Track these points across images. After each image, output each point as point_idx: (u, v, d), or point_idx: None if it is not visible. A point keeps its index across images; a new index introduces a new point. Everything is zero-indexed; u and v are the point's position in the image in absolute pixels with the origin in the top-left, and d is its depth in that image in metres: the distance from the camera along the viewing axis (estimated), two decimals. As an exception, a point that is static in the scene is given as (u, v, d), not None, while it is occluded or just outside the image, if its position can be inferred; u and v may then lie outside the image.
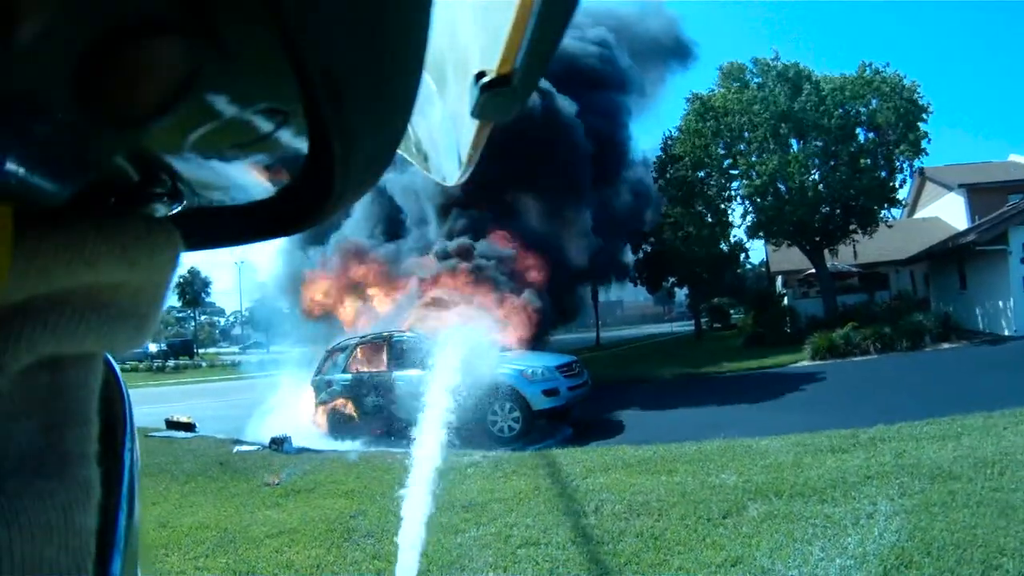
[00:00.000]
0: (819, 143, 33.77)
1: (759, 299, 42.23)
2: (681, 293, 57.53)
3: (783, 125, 33.67)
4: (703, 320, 51.55)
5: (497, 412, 16.94)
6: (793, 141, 34.55)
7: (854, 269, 42.23)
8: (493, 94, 0.42)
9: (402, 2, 0.35)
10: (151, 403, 29.29)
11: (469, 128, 0.60)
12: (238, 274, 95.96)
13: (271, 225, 0.56)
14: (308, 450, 16.18)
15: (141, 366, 64.56)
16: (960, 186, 43.43)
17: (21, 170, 0.37)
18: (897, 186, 35.43)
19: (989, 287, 27.94)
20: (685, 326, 62.80)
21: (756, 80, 35.38)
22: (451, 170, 0.79)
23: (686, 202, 36.88)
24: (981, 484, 8.52)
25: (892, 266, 42.21)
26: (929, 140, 33.72)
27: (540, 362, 17.91)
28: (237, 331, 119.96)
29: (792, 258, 41.70)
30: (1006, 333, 26.76)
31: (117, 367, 0.85)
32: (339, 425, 18.29)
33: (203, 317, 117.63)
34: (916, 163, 35.38)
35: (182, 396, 35.45)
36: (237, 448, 16.88)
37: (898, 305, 31.87)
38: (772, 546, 7.54)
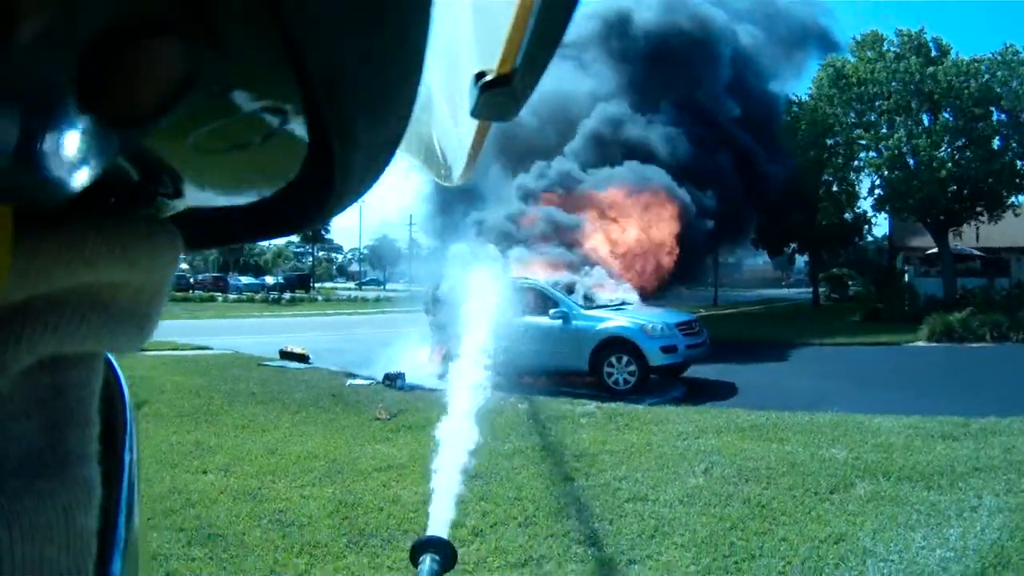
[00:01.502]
0: (951, 118, 32.97)
1: (880, 273, 41.50)
2: (801, 260, 56.63)
3: (916, 98, 32.96)
4: (821, 289, 50.69)
5: (614, 364, 17.03)
6: (925, 116, 33.85)
7: (976, 252, 41.20)
8: (493, 94, 0.42)
9: (402, 2, 0.35)
10: (266, 333, 29.61)
11: (469, 128, 0.66)
12: (359, 212, 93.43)
13: (271, 225, 0.57)
14: (421, 388, 16.07)
15: (257, 297, 64.52)
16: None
17: (21, 170, 0.37)
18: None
19: None
20: (802, 293, 61.45)
21: (893, 50, 34.51)
22: (452, 170, 0.85)
23: (813, 170, 36.39)
24: (1089, 492, 8.36)
25: (1016, 253, 41.08)
26: None
27: (660, 318, 17.89)
28: (354, 267, 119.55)
29: (915, 236, 40.89)
30: None
31: (118, 366, 0.90)
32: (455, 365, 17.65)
33: (321, 253, 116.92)
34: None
35: (297, 328, 35.06)
36: (350, 381, 16.90)
37: (1018, 293, 31.12)
38: (876, 527, 7.59)
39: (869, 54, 34.91)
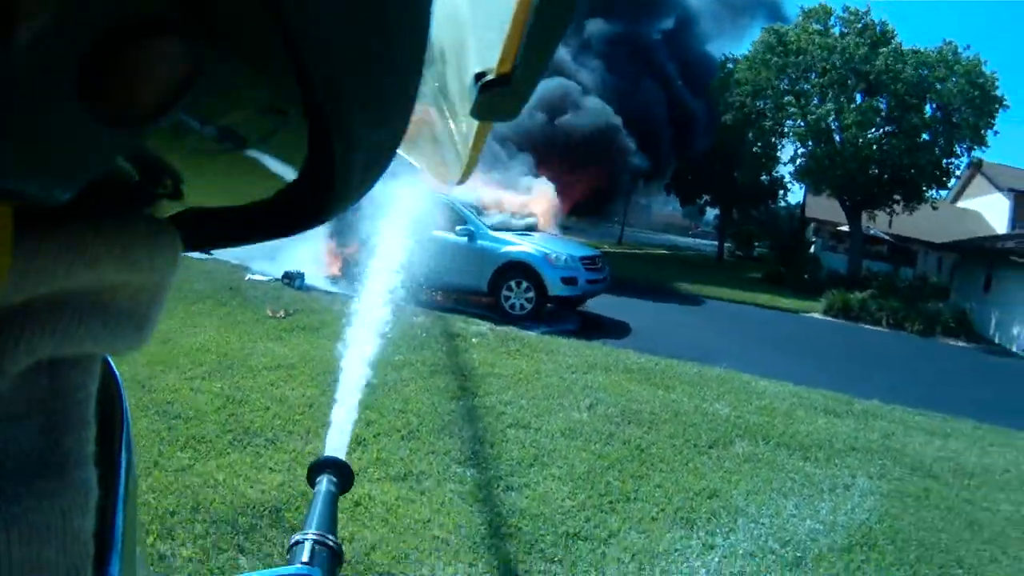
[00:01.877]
0: (883, 104, 33.60)
1: (788, 239, 42.19)
2: (711, 213, 57.37)
3: (853, 77, 33.49)
4: (727, 245, 51.37)
5: (513, 288, 17.16)
6: (859, 96, 34.36)
7: (886, 237, 42.10)
8: (493, 94, 0.42)
9: (402, 2, 0.35)
10: None
11: (469, 129, 0.64)
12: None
13: (271, 225, 0.55)
14: (319, 289, 16.15)
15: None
16: (1009, 190, 43.17)
17: (21, 171, 0.35)
18: (952, 171, 35.56)
19: (1012, 299, 27.46)
20: (708, 244, 62.67)
21: (838, 29, 35.12)
22: (452, 171, 0.82)
23: (737, 128, 36.87)
24: (957, 491, 8.69)
25: (923, 246, 41.89)
26: (996, 133, 33.84)
27: (565, 249, 18.01)
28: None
29: (828, 210, 41.70)
30: (1014, 349, 26.48)
31: (115, 367, 0.89)
32: (353, 272, 17.55)
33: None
34: (975, 152, 35.31)
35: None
36: (249, 276, 16.83)
37: (919, 285, 31.85)
38: (750, 488, 7.74)
39: (815, 25, 35.30)
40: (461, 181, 0.83)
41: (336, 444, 2.23)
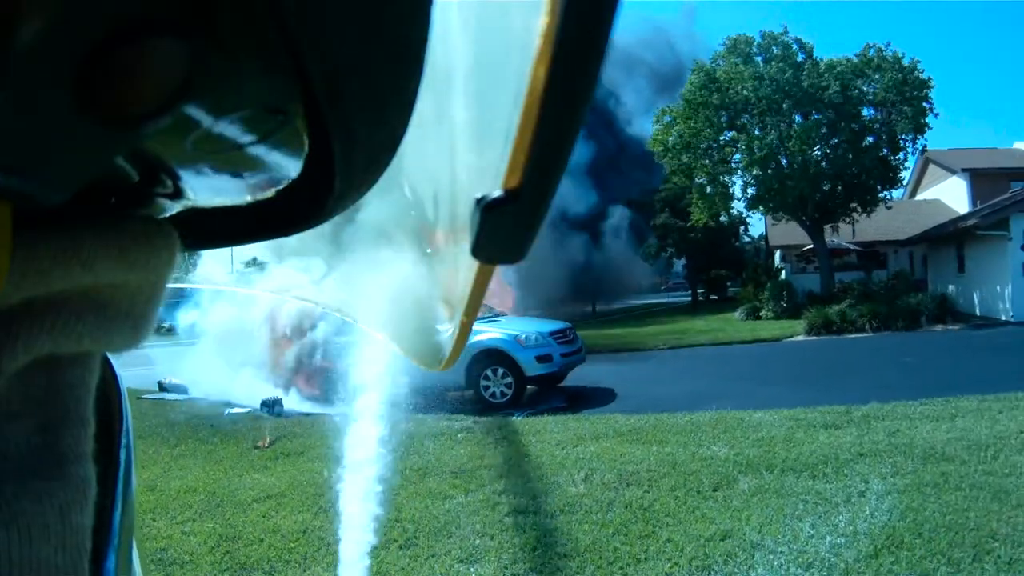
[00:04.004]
0: (820, 118, 34.18)
1: (757, 272, 42.49)
2: (679, 264, 57.91)
3: (786, 100, 34.00)
4: (700, 291, 51.82)
5: (490, 377, 16.96)
6: (797, 116, 34.92)
7: (852, 247, 42.64)
8: (499, 217, 0.38)
9: (402, 2, 0.34)
10: (148, 365, 29.38)
11: (464, 279, 0.60)
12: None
13: (271, 225, 0.55)
14: (299, 413, 16.10)
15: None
16: (963, 170, 43.81)
17: (20, 171, 0.36)
18: (899, 166, 36.29)
19: (988, 272, 28.17)
20: (682, 296, 62.88)
21: (760, 57, 35.88)
22: (434, 355, 0.82)
23: (687, 173, 37.06)
24: (974, 467, 8.52)
25: (891, 246, 42.48)
26: (936, 114, 34.88)
27: (534, 327, 17.94)
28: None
29: (791, 233, 42.17)
30: (1003, 318, 27.03)
31: (115, 366, 0.86)
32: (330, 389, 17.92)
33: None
34: (920, 141, 36.02)
35: (177, 357, 35.38)
36: (228, 411, 16.71)
37: (895, 284, 32.19)
38: (762, 521, 7.52)
39: (737, 61, 36.05)
40: (446, 366, 0.85)
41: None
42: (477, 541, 7.75)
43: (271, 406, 16.26)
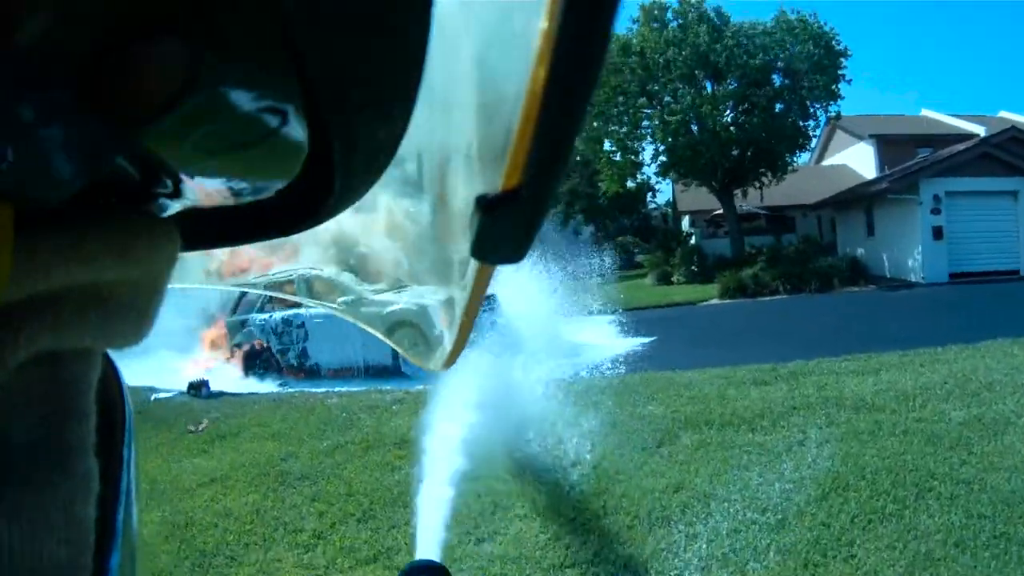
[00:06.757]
0: (734, 86, 34.26)
1: (667, 238, 42.53)
2: (587, 231, 57.85)
3: (699, 68, 34.05)
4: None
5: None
6: (708, 84, 35.00)
7: (761, 211, 42.93)
8: (498, 217, 0.39)
9: (402, 2, 0.34)
10: None
11: (456, 299, 0.63)
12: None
13: (271, 225, 0.56)
14: (228, 393, 15.78)
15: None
16: (871, 136, 44.35)
17: (22, 170, 0.37)
18: (810, 132, 36.60)
19: (897, 235, 28.51)
20: (589, 263, 62.35)
21: (676, 23, 35.49)
22: (436, 354, 0.85)
23: (595, 140, 37.19)
24: (905, 415, 8.84)
25: (799, 210, 42.73)
26: (849, 81, 35.08)
27: None
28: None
29: (699, 199, 42.16)
30: (913, 279, 27.53)
31: (116, 361, 0.86)
32: (257, 366, 17.96)
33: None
34: (831, 109, 36.19)
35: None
36: (155, 396, 16.12)
37: (806, 248, 32.36)
38: (710, 472, 7.74)
39: (654, 25, 35.71)
40: (447, 365, 0.85)
41: None
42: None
43: (198, 388, 16.04)
